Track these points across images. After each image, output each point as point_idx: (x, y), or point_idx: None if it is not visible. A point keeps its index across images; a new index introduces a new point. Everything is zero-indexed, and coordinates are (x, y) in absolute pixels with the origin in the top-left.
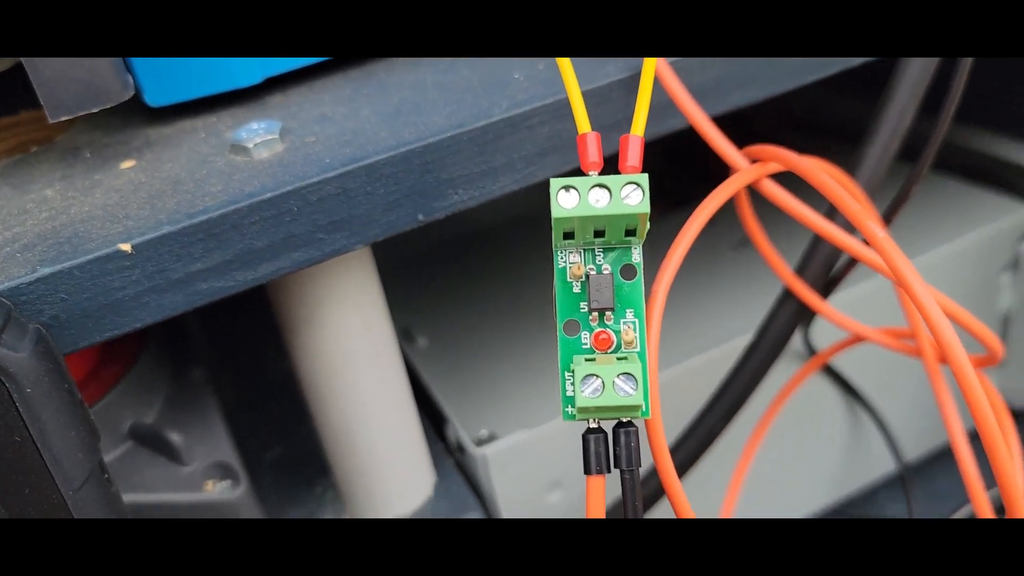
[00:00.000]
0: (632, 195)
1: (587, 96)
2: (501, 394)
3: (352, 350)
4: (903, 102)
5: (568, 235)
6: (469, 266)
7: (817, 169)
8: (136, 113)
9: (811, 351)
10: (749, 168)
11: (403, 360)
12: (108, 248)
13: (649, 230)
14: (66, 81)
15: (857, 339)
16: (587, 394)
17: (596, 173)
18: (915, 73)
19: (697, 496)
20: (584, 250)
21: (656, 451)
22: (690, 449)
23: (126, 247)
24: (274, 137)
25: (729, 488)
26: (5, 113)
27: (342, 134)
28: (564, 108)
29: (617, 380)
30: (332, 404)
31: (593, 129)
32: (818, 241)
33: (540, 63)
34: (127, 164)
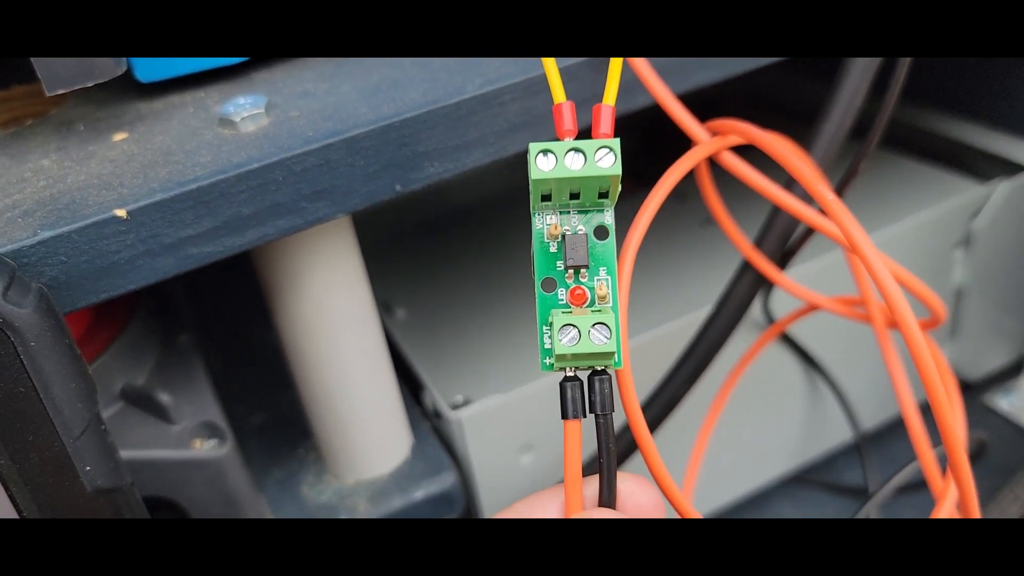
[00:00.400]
0: (605, 158)
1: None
2: (475, 361)
3: (333, 316)
4: (855, 82)
5: (546, 197)
6: (445, 242)
7: (774, 140)
8: (127, 89)
9: (770, 320)
10: (710, 140)
11: (383, 330)
12: (105, 214)
13: (621, 207)
14: (64, 58)
15: (811, 308)
16: (564, 343)
17: (571, 140)
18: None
19: (663, 459)
20: (560, 212)
21: (627, 403)
22: (655, 412)
23: (121, 213)
24: (260, 111)
25: (693, 452)
26: None
27: (324, 109)
28: (534, 86)
29: (592, 330)
30: (314, 369)
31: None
32: (775, 214)
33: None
34: (120, 136)
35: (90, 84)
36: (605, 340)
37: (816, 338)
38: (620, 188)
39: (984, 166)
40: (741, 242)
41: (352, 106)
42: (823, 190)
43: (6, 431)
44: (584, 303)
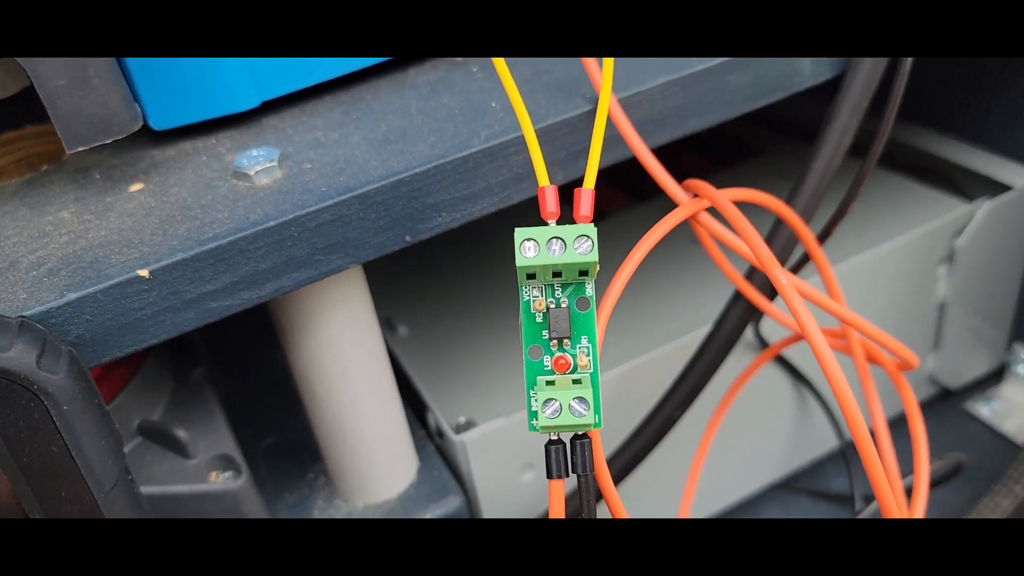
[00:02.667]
0: (583, 246)
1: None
2: (478, 382)
3: (344, 354)
4: (854, 100)
5: (531, 276)
6: (448, 259)
7: (735, 213)
8: (141, 135)
9: (763, 344)
10: (688, 204)
11: (388, 357)
12: (128, 274)
13: (615, 221)
14: (81, 115)
15: (799, 337)
16: (547, 415)
17: (554, 221)
18: (855, 92)
19: (664, 473)
20: (545, 286)
21: (596, 463)
22: (652, 432)
23: (144, 273)
24: (273, 164)
25: (692, 465)
26: (11, 127)
27: (336, 161)
28: (539, 137)
29: (572, 403)
30: (325, 401)
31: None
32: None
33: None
34: (136, 187)
35: (108, 140)
36: (584, 413)
37: (804, 355)
38: (599, 267)
39: (968, 185)
40: (732, 273)
41: (363, 159)
42: (777, 273)
43: (41, 487)
44: (567, 370)
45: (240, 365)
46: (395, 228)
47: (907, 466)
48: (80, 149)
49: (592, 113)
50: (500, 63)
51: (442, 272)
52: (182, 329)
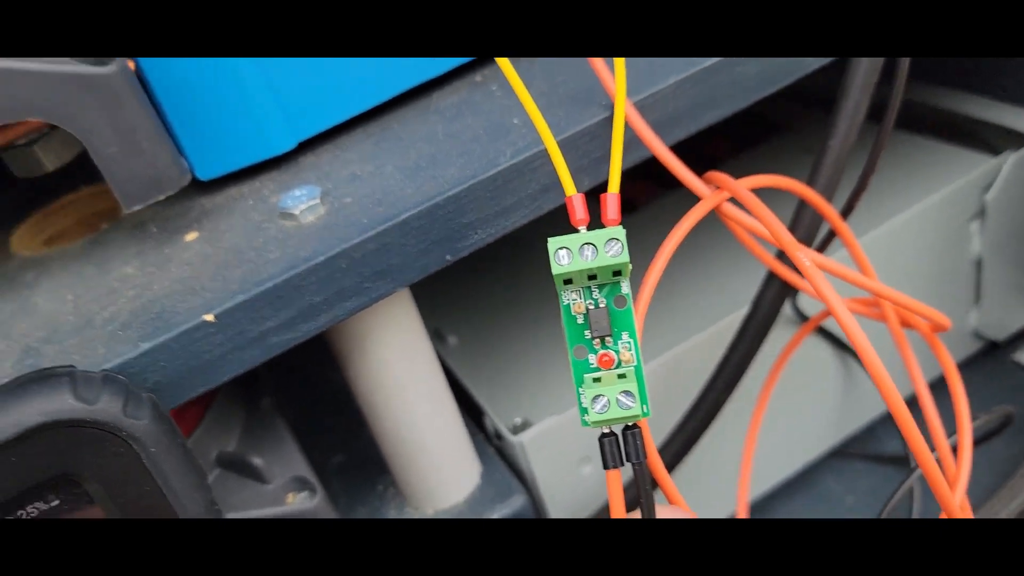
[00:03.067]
0: (613, 248)
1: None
2: (529, 383)
3: (399, 370)
4: (867, 67)
5: (568, 281)
6: (488, 267)
7: (755, 201)
8: (189, 186)
9: (802, 317)
10: (712, 195)
11: (440, 367)
12: (195, 320)
13: (643, 211)
14: (135, 177)
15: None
16: (597, 410)
17: (584, 228)
18: (862, 75)
19: (718, 455)
20: (582, 289)
21: (648, 450)
22: (701, 416)
23: (209, 317)
24: (316, 202)
25: (745, 445)
26: (68, 191)
27: (373, 193)
28: (563, 148)
29: (619, 397)
30: (386, 417)
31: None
32: (795, 221)
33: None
34: (191, 236)
35: (161, 197)
36: (631, 404)
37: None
38: (631, 267)
39: (992, 139)
40: (763, 255)
41: (398, 187)
42: (801, 257)
43: None
44: (612, 365)
45: (304, 389)
46: (435, 250)
47: (952, 425)
48: (136, 208)
49: (610, 120)
50: (517, 84)
51: (484, 280)
52: (248, 366)
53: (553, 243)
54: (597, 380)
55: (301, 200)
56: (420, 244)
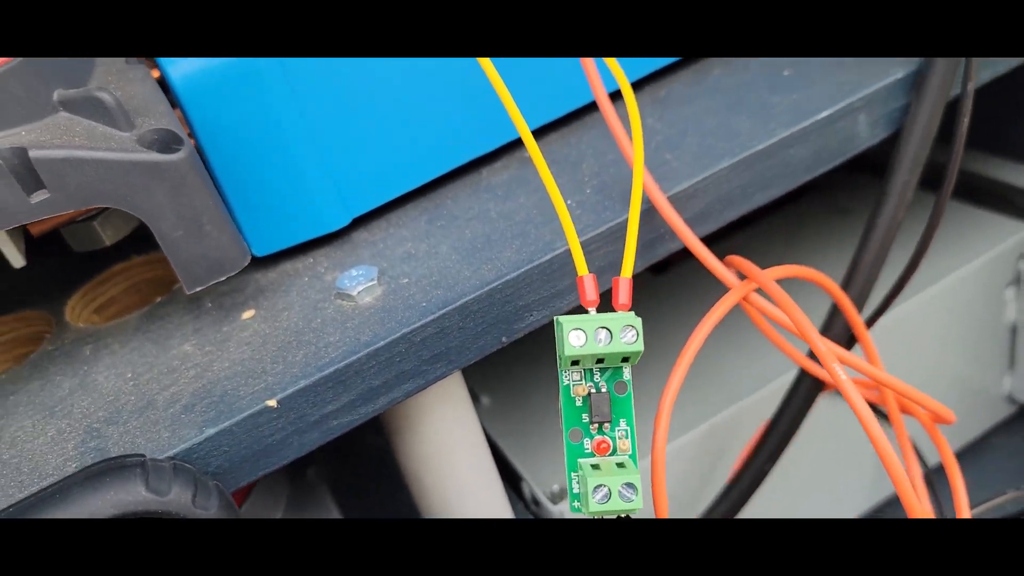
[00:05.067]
0: (628, 335)
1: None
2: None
3: (447, 445)
4: (920, 135)
5: (574, 362)
6: None
7: (782, 294)
8: None
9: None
10: (736, 289)
11: (484, 435)
12: (258, 405)
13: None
14: (198, 259)
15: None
16: (597, 500)
17: (594, 309)
18: (912, 151)
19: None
20: (585, 370)
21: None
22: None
23: (272, 403)
24: (373, 283)
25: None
26: (121, 260)
27: (430, 274)
28: (614, 234)
29: (621, 489)
30: (431, 486)
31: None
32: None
33: (587, 188)
34: (248, 314)
35: (223, 278)
36: (633, 498)
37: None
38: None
39: None
40: (794, 354)
41: (455, 269)
42: (837, 369)
43: None
44: (607, 452)
45: (346, 455)
46: (492, 332)
47: (977, 497)
48: (198, 289)
49: (652, 211)
50: (543, 170)
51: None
52: (308, 449)
53: (567, 323)
54: (596, 467)
55: (358, 281)
56: (478, 327)
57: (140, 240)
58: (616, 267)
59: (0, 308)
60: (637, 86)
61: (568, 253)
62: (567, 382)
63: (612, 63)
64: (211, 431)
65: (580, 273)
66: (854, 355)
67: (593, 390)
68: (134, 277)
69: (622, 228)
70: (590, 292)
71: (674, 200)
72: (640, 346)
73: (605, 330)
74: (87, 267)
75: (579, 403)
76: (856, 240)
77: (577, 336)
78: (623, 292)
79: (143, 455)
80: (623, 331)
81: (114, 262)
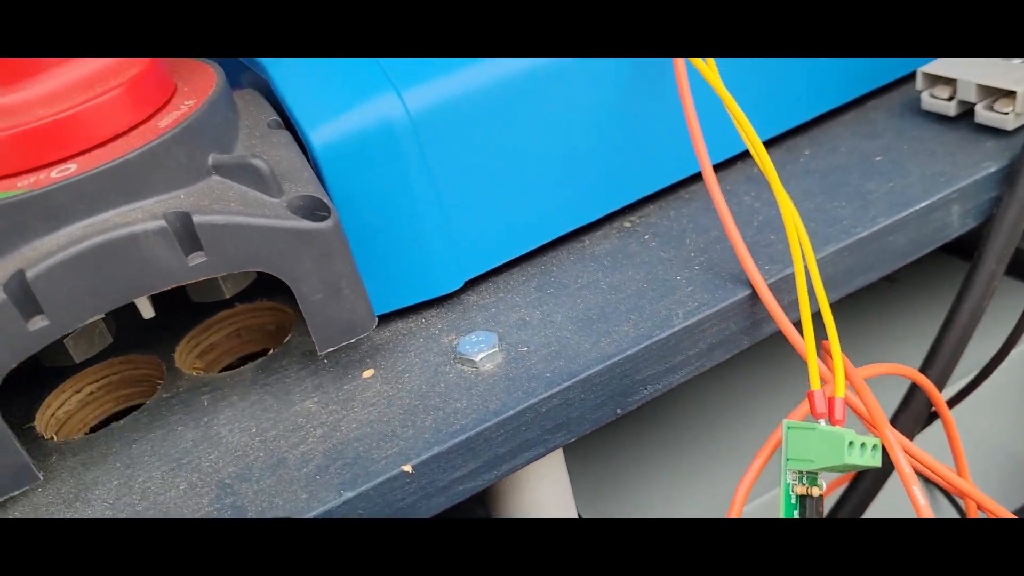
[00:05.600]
0: (875, 455)
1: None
2: (640, 502)
3: (545, 509)
4: (1010, 222)
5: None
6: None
7: (865, 389)
8: None
9: None
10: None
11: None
12: (394, 470)
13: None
14: (334, 321)
15: None
16: None
17: (824, 421)
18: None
19: None
20: (808, 474)
21: None
22: None
23: (408, 468)
24: (495, 350)
25: None
26: (225, 307)
27: (549, 344)
28: (727, 312)
29: None
30: None
31: None
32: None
33: (695, 263)
34: (367, 373)
35: (352, 340)
36: None
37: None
38: None
39: None
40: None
41: (573, 341)
42: (899, 459)
43: None
44: None
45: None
46: (608, 404)
47: None
48: (329, 350)
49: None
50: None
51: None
52: (433, 512)
53: (845, 435)
54: None
55: (480, 347)
56: (597, 399)
57: (246, 293)
58: (725, 345)
59: (109, 350)
60: (728, 163)
61: (684, 330)
62: (789, 480)
63: (744, 122)
64: (349, 494)
65: (813, 387)
66: (925, 453)
67: (806, 494)
68: (237, 324)
69: (734, 308)
70: (820, 405)
71: (780, 284)
72: (879, 463)
73: (862, 446)
74: (193, 312)
75: (794, 500)
76: (903, 308)
77: (853, 448)
78: (838, 409)
79: None
80: (873, 450)
81: (219, 308)
